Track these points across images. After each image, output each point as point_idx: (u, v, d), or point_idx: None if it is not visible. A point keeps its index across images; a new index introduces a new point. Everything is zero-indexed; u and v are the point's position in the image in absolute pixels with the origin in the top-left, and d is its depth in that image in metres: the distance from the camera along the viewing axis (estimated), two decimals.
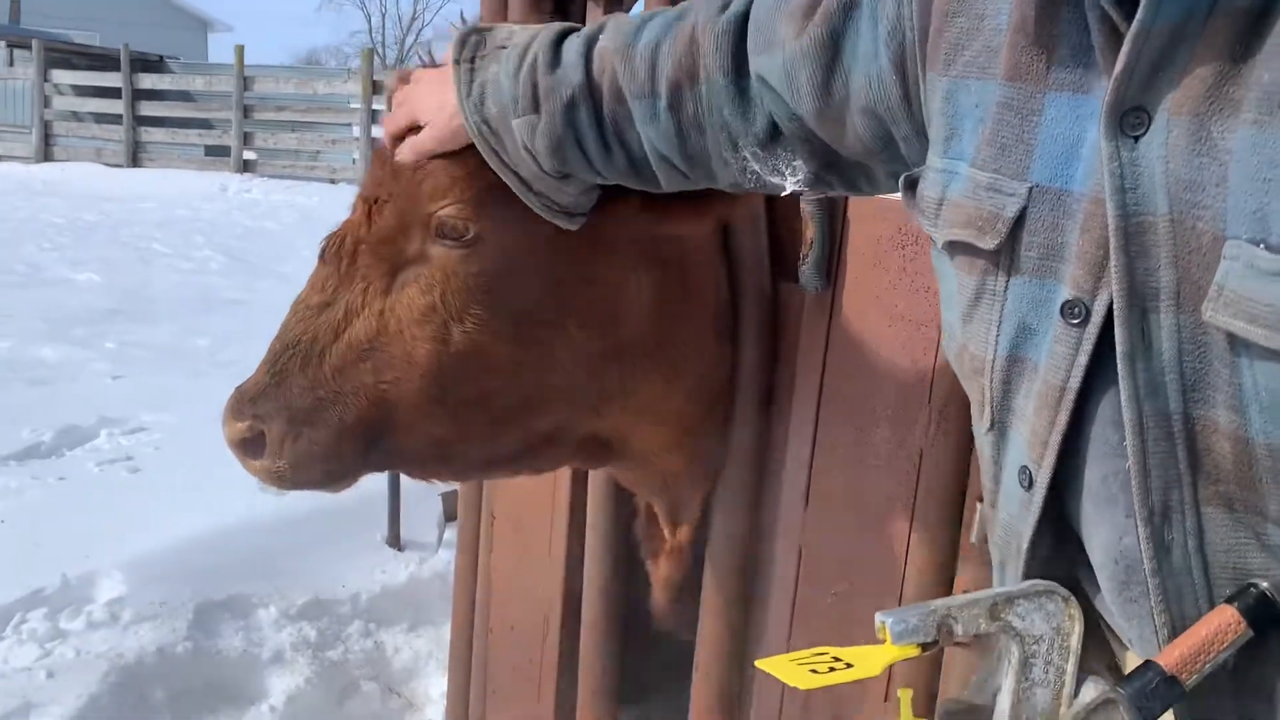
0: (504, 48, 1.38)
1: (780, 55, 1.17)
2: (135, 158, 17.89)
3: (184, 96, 18.95)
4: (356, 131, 16.72)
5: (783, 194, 1.28)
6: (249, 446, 1.56)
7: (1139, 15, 0.84)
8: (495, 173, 1.45)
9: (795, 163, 1.24)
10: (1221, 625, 0.85)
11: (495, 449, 1.67)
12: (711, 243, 1.79)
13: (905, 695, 0.97)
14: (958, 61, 1.02)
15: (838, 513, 1.82)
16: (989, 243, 0.97)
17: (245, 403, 1.55)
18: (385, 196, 1.54)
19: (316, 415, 1.53)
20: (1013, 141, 0.96)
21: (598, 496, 2.16)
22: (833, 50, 1.13)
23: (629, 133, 1.31)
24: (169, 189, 15.20)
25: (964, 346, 1.05)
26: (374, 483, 3.21)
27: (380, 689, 3.23)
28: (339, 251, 1.57)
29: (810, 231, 1.78)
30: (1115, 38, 0.88)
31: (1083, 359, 0.91)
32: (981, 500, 1.17)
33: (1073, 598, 0.92)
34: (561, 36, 1.35)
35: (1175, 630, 0.89)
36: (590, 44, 1.32)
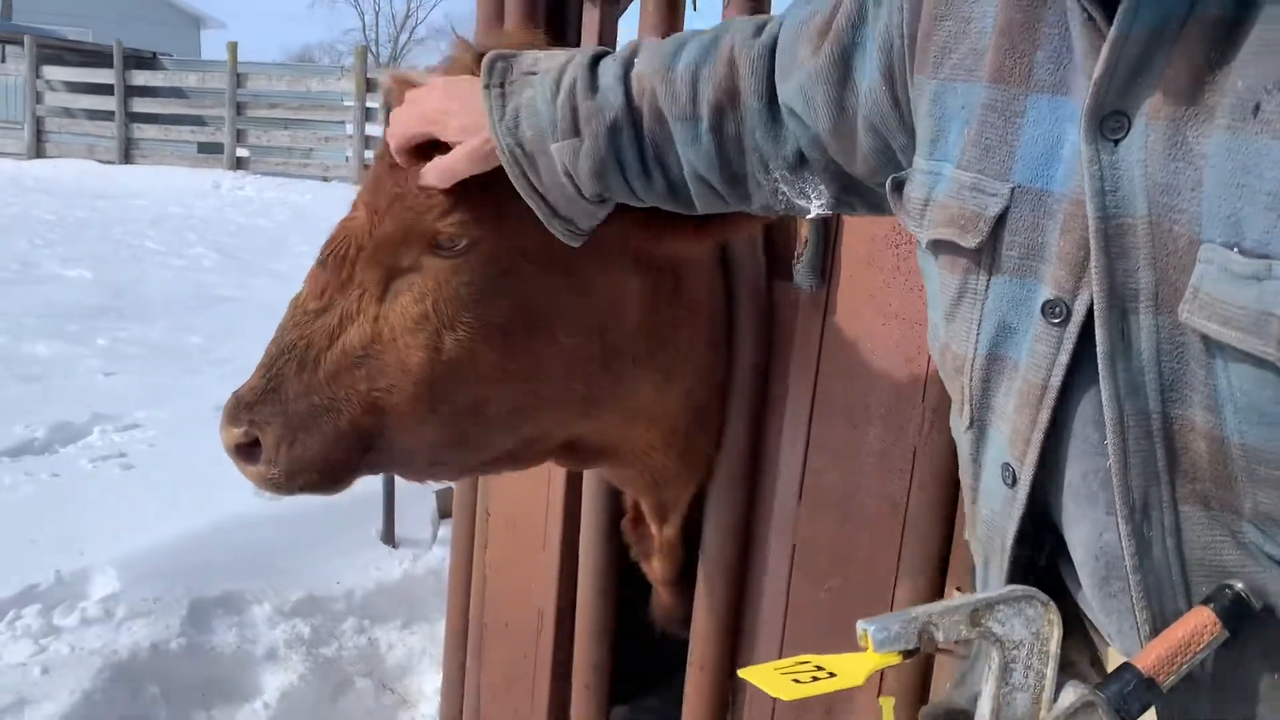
0: (534, 73, 1.37)
1: (798, 78, 1.19)
2: (128, 154, 17.85)
3: (177, 93, 18.91)
4: (350, 129, 16.69)
5: (808, 217, 1.30)
6: (245, 452, 1.56)
7: (1117, 21, 0.85)
8: (489, 183, 1.44)
9: (820, 186, 1.26)
10: (1198, 626, 0.87)
11: (487, 453, 1.68)
12: (709, 248, 1.80)
13: (887, 704, 0.98)
14: (945, 64, 1.03)
15: (831, 509, 1.83)
16: (971, 241, 0.99)
17: (241, 408, 1.55)
18: (387, 205, 1.54)
19: (311, 421, 1.54)
20: (996, 142, 0.98)
21: (592, 493, 2.17)
22: (844, 67, 1.15)
23: (669, 155, 1.32)
24: (161, 186, 15.16)
25: (946, 345, 1.06)
26: (369, 481, 3.20)
27: (374, 686, 3.23)
28: (338, 257, 1.58)
29: (805, 230, 1.79)
30: (1095, 42, 0.89)
31: (1064, 358, 0.93)
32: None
33: (1052, 603, 0.93)
34: (596, 60, 1.35)
35: (1156, 625, 0.91)
36: (628, 67, 1.32)
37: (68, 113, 18.95)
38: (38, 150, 18.34)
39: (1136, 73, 0.86)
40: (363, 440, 1.56)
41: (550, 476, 2.29)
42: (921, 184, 1.06)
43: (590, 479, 2.18)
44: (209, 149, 17.93)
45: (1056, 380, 0.93)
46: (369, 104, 16.06)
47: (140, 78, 18.16)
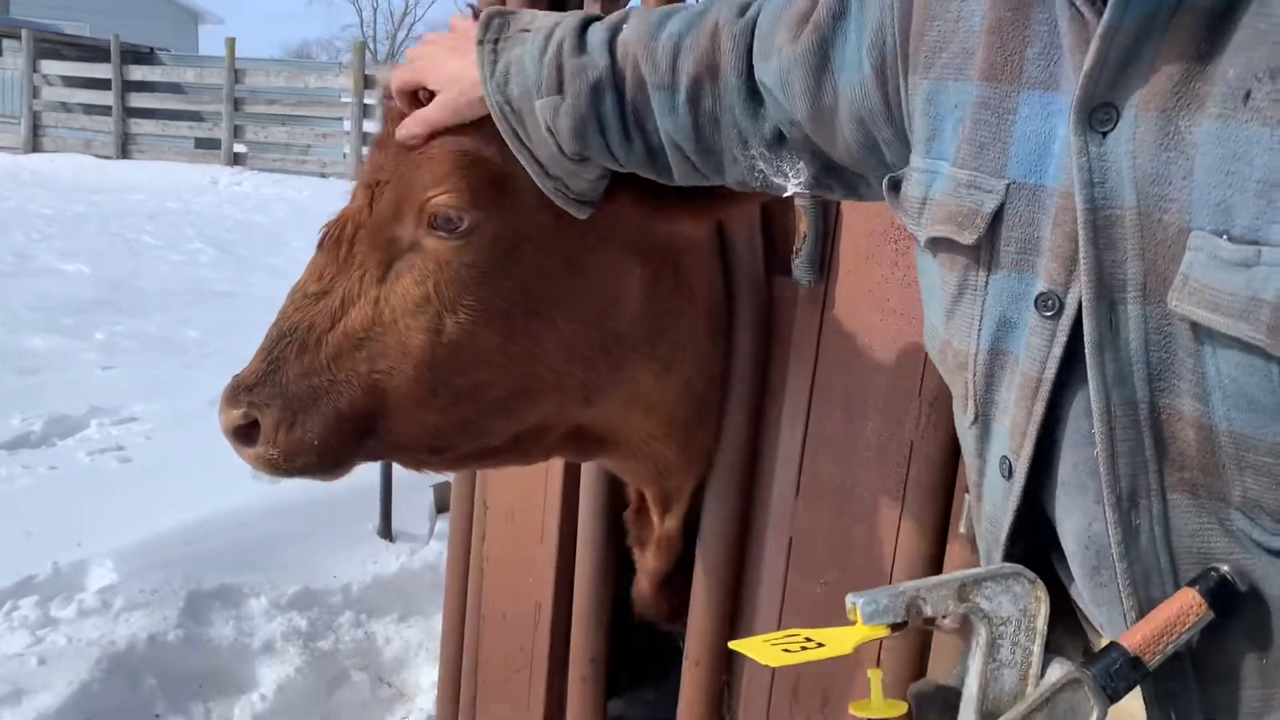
0: (527, 31, 1.39)
1: (777, 62, 1.20)
2: (125, 149, 17.83)
3: (174, 89, 18.87)
4: (347, 126, 16.69)
5: (784, 195, 1.31)
6: (244, 434, 1.56)
7: (1107, 14, 0.86)
8: (492, 163, 1.46)
9: (798, 165, 1.27)
10: (1184, 607, 0.88)
11: (487, 439, 1.68)
12: (706, 237, 1.81)
13: (875, 676, 1.00)
14: (937, 63, 1.05)
15: (828, 503, 1.84)
16: (968, 238, 1.00)
17: (241, 390, 1.55)
18: (384, 180, 1.55)
19: (311, 403, 1.54)
20: (990, 140, 0.99)
21: (590, 485, 2.18)
22: (822, 57, 1.16)
23: (648, 122, 1.33)
24: (159, 181, 15.14)
25: (947, 342, 1.07)
26: (366, 474, 3.22)
27: (371, 679, 3.24)
28: (338, 239, 1.58)
29: (804, 225, 1.80)
30: (1084, 36, 0.90)
31: (1057, 350, 0.94)
32: (969, 492, 1.19)
33: (1039, 580, 0.94)
34: (586, 23, 1.37)
35: (1143, 613, 0.92)
36: (615, 32, 1.34)
37: (65, 107, 18.91)
38: (34, 145, 18.31)
39: (1126, 64, 0.87)
40: (362, 423, 1.56)
41: (548, 469, 2.30)
42: (919, 183, 1.07)
43: (589, 472, 2.18)
44: (206, 144, 17.91)
45: (1050, 373, 0.94)
46: (366, 100, 16.05)
47: (138, 73, 18.13)
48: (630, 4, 2.12)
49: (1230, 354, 0.84)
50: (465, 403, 1.60)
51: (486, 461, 1.94)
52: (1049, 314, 0.94)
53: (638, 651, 2.32)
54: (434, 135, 1.51)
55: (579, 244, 1.58)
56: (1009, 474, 1.01)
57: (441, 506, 3.81)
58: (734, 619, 2.00)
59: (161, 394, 5.19)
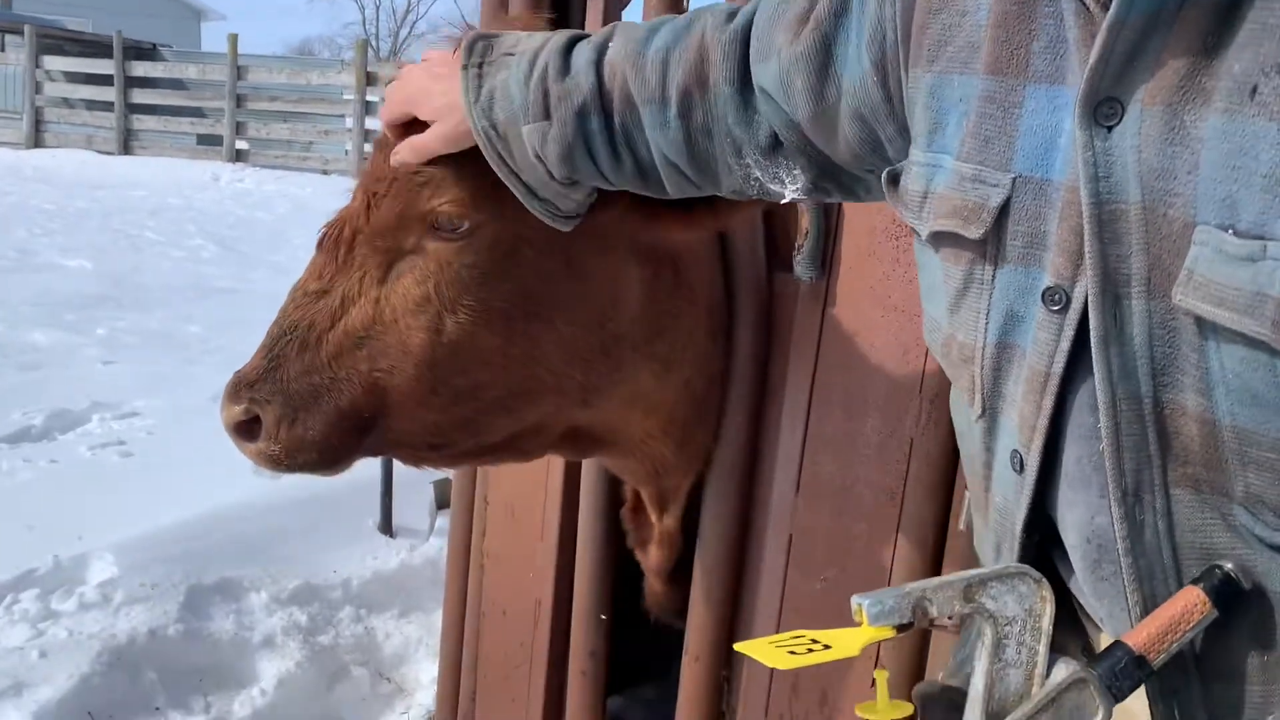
0: (511, 54, 1.38)
1: (776, 62, 1.19)
2: (127, 145, 17.83)
3: (176, 85, 18.89)
4: (349, 123, 16.69)
5: (782, 201, 1.30)
6: (245, 429, 1.57)
7: (1114, 7, 0.86)
8: (490, 170, 1.46)
9: (795, 171, 1.26)
10: (1188, 606, 0.88)
11: (486, 437, 1.69)
12: (707, 238, 1.81)
13: (881, 676, 0.99)
14: (941, 57, 1.04)
15: (828, 500, 1.85)
16: (974, 232, 1.00)
17: (243, 387, 1.56)
18: (384, 190, 1.56)
19: (312, 400, 1.55)
20: (995, 133, 0.99)
21: (590, 482, 2.18)
22: (825, 55, 1.15)
23: (638, 139, 1.32)
24: (161, 177, 15.15)
25: (951, 336, 1.07)
26: (367, 470, 3.23)
27: (370, 674, 3.24)
28: (337, 240, 1.59)
29: (805, 222, 1.80)
30: (1090, 30, 0.90)
31: (1065, 344, 0.94)
32: (969, 487, 1.19)
33: (1044, 580, 0.94)
34: (571, 44, 1.35)
35: (1147, 608, 0.92)
36: (601, 51, 1.33)
37: (67, 103, 18.92)
38: (36, 140, 18.31)
39: (1131, 58, 0.87)
40: (363, 421, 1.57)
41: (549, 466, 2.30)
42: (919, 176, 1.07)
43: (589, 468, 2.19)
44: (208, 141, 17.92)
45: (1059, 367, 0.95)
46: (369, 98, 16.05)
47: (140, 69, 18.14)
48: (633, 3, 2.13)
49: (1234, 349, 0.84)
50: (465, 402, 1.61)
51: (485, 458, 1.95)
52: (1056, 308, 0.94)
53: (638, 650, 2.33)
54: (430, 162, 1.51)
55: (579, 247, 1.58)
56: (1020, 468, 1.01)
57: (442, 502, 3.81)
58: (734, 616, 2.00)
59: (163, 389, 5.20)
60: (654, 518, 2.05)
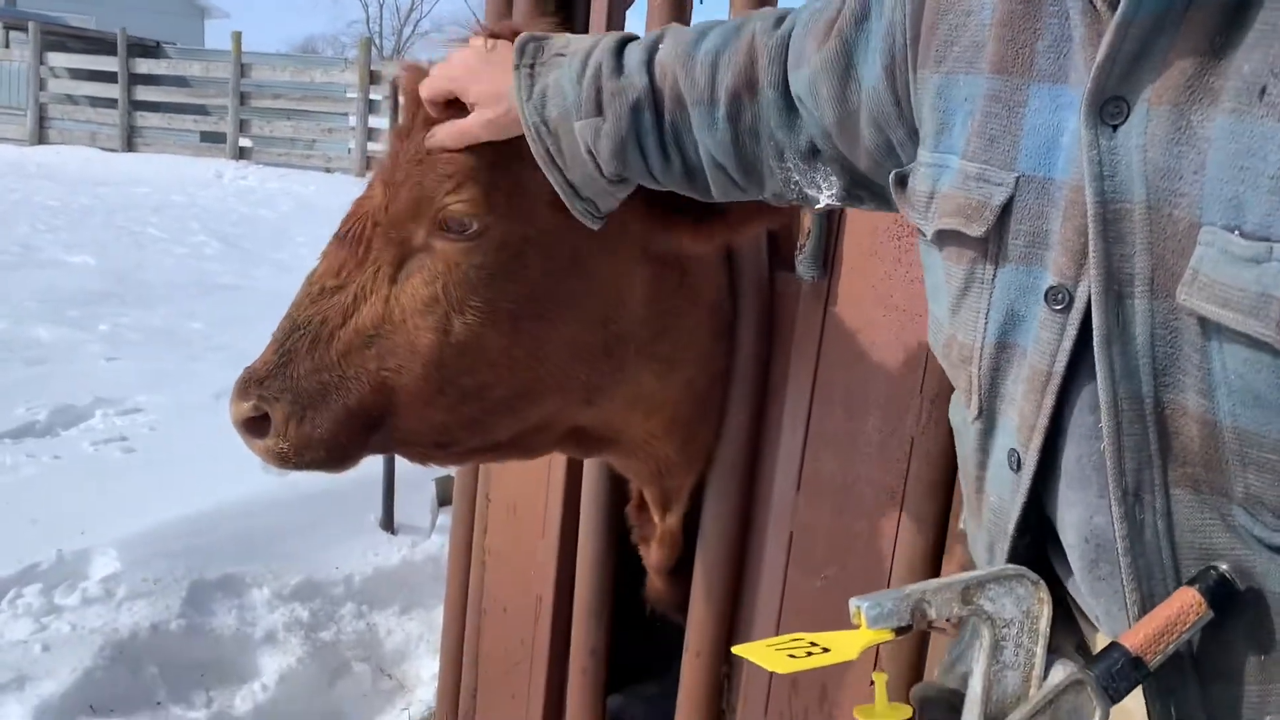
0: (563, 55, 1.39)
1: (807, 70, 1.20)
2: (130, 142, 17.84)
3: (180, 82, 18.89)
4: (353, 121, 16.68)
5: (817, 207, 1.31)
6: (253, 426, 1.58)
7: (1122, 6, 0.87)
8: (504, 168, 1.46)
9: (831, 178, 1.27)
10: (1184, 607, 0.89)
11: (490, 436, 1.70)
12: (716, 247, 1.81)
13: (880, 680, 1.00)
14: (948, 57, 1.05)
15: (829, 498, 1.85)
16: (977, 230, 1.00)
17: (252, 383, 1.57)
18: (403, 176, 1.57)
19: (320, 399, 1.56)
20: (1000, 133, 0.99)
21: (592, 480, 2.19)
22: (846, 62, 1.16)
23: (686, 139, 1.33)
24: (164, 174, 15.16)
25: (952, 336, 1.07)
26: (369, 467, 3.22)
27: (371, 670, 3.25)
28: (356, 235, 1.60)
29: (808, 221, 1.81)
30: (1096, 29, 0.91)
31: (1067, 344, 0.94)
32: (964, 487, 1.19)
33: (1042, 582, 0.94)
34: (623, 44, 1.37)
35: (1145, 607, 0.92)
36: (652, 51, 1.34)
37: (71, 100, 18.93)
38: (40, 136, 18.33)
39: (1138, 58, 0.88)
40: (370, 419, 1.58)
41: (551, 463, 2.31)
42: (926, 176, 1.08)
43: (591, 466, 2.20)
44: (212, 138, 17.91)
45: (1060, 366, 0.95)
46: (372, 96, 16.05)
47: (144, 66, 18.15)
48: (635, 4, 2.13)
49: (1238, 350, 0.84)
50: (471, 402, 1.61)
51: (490, 457, 1.96)
52: (1059, 307, 0.94)
53: (638, 649, 2.33)
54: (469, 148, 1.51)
55: (585, 248, 1.59)
56: (1017, 467, 1.01)
57: (443, 500, 3.82)
58: (734, 613, 2.01)
59: (166, 386, 5.21)
60: (657, 517, 2.06)
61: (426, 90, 1.53)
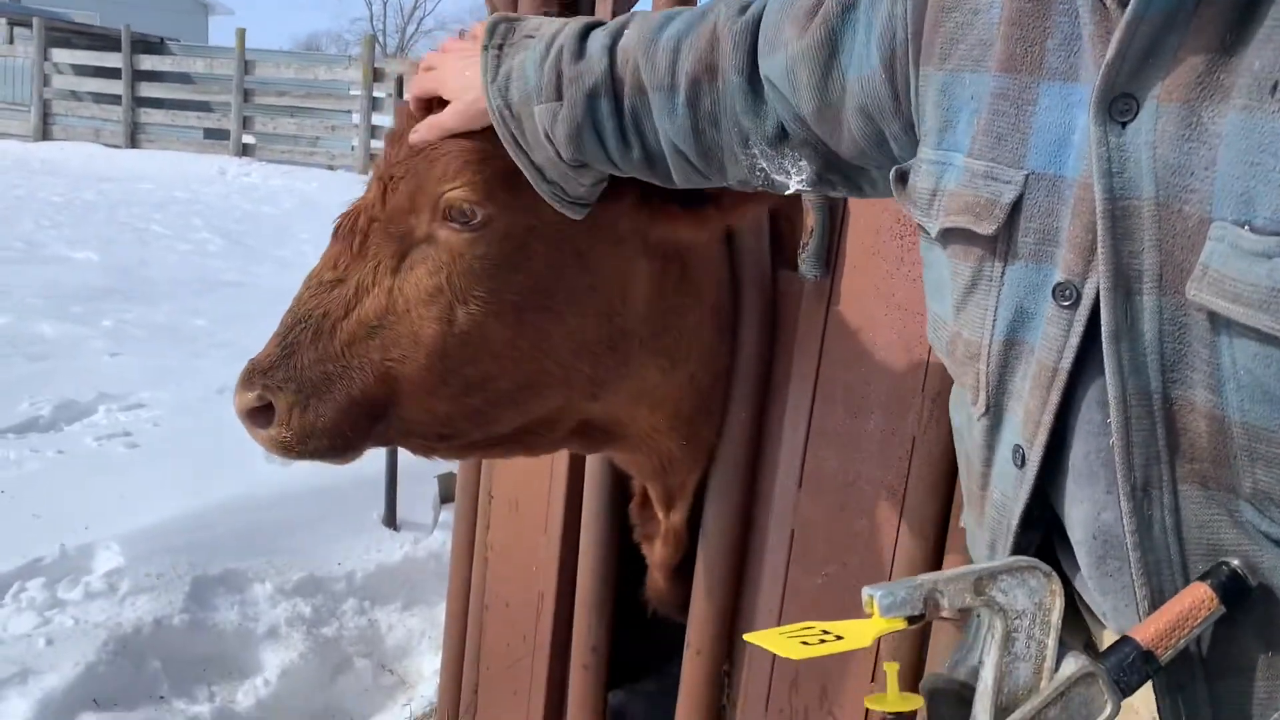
0: (531, 37, 1.40)
1: (783, 55, 1.20)
2: (134, 139, 17.86)
3: (184, 79, 18.91)
4: (356, 118, 16.71)
5: (786, 193, 1.31)
6: (257, 416, 1.59)
7: (1132, 4, 0.87)
8: (506, 159, 1.47)
9: (800, 163, 1.27)
10: (1195, 602, 0.89)
11: (494, 429, 1.70)
12: (715, 236, 1.82)
13: (892, 669, 0.99)
14: (953, 55, 1.05)
15: (830, 496, 1.86)
16: (987, 228, 1.00)
17: (256, 373, 1.58)
18: (399, 175, 1.58)
19: (324, 388, 1.56)
20: (1008, 131, 0.99)
21: (594, 476, 2.20)
22: (830, 50, 1.16)
23: (646, 125, 1.34)
24: (167, 171, 15.18)
25: (957, 334, 1.07)
26: (371, 464, 3.25)
27: (373, 666, 3.26)
28: (353, 229, 1.61)
29: (810, 220, 1.81)
30: (1106, 27, 0.91)
31: (1074, 340, 0.94)
32: (967, 485, 1.20)
33: (1054, 574, 0.94)
34: (588, 29, 1.38)
35: (1154, 603, 0.93)
36: (615, 37, 1.35)
37: (74, 96, 18.94)
38: (44, 133, 18.35)
39: (1148, 55, 0.88)
40: (373, 409, 1.59)
41: (553, 460, 2.32)
42: (929, 174, 1.08)
43: (593, 463, 2.20)
44: (215, 135, 17.94)
45: (1067, 363, 0.95)
46: (375, 93, 16.07)
47: (147, 62, 18.17)
48: (635, 6, 2.14)
49: (1247, 345, 0.84)
50: (474, 393, 1.62)
51: (494, 451, 1.96)
52: (1066, 304, 0.95)
53: (638, 648, 2.34)
54: (447, 139, 1.54)
55: (590, 241, 1.60)
56: (1022, 462, 1.01)
57: (446, 496, 3.84)
58: (735, 610, 2.01)
59: (169, 382, 5.22)
60: (661, 514, 2.07)
61: (413, 91, 1.57)
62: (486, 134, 1.50)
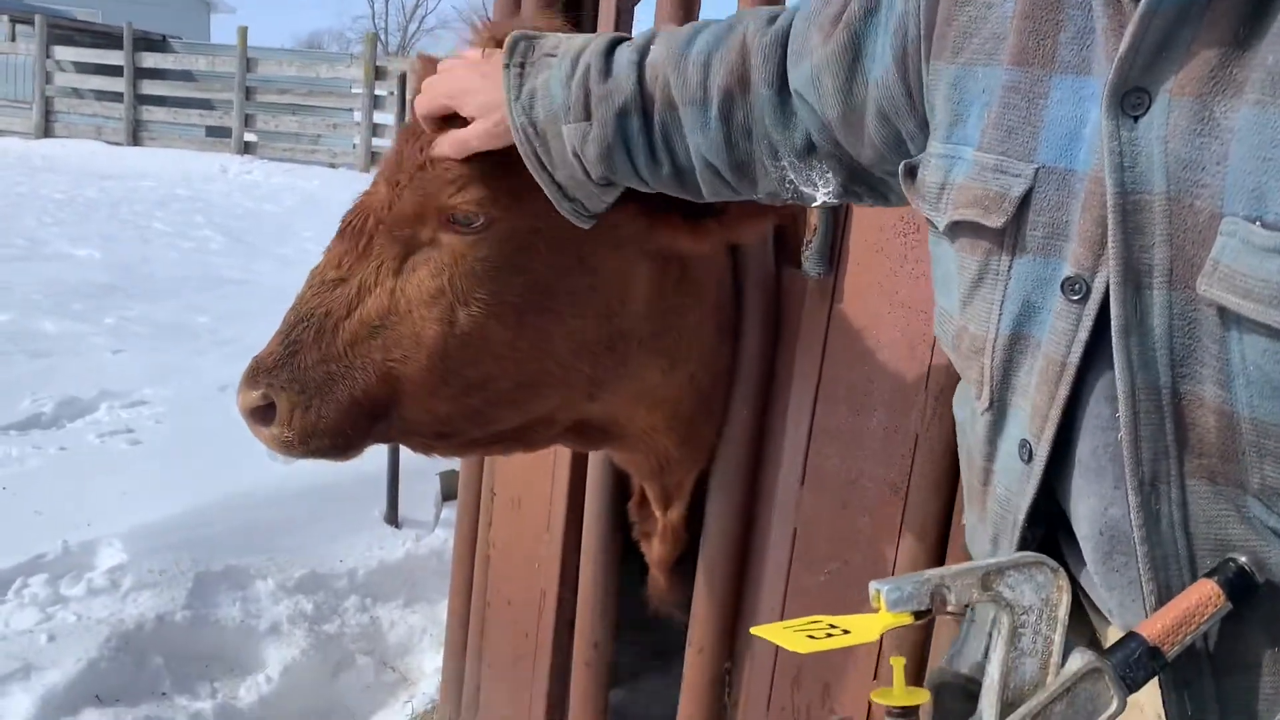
0: (553, 55, 1.39)
1: (809, 64, 1.20)
2: (136, 136, 17.86)
3: (186, 76, 18.91)
4: (358, 117, 16.70)
5: (814, 205, 1.31)
6: (260, 415, 1.59)
7: None
8: (510, 165, 1.46)
9: (827, 174, 1.27)
10: (1202, 598, 0.89)
11: (493, 428, 1.71)
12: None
13: (898, 664, 0.99)
14: (966, 49, 1.05)
15: (833, 494, 1.86)
16: (995, 221, 1.00)
17: (260, 372, 1.59)
18: (406, 180, 1.57)
19: (326, 388, 1.57)
20: (1019, 124, 0.99)
21: (597, 474, 2.20)
22: (854, 53, 1.16)
23: (677, 141, 1.33)
24: (169, 168, 15.18)
25: (963, 328, 1.07)
26: (373, 461, 3.25)
27: (375, 663, 3.27)
28: (359, 230, 1.61)
29: (814, 217, 1.81)
30: (1119, 20, 0.91)
31: (1083, 334, 0.94)
32: (968, 481, 1.20)
33: (1061, 569, 0.94)
34: (613, 45, 1.37)
35: (1161, 598, 0.93)
36: (642, 53, 1.34)
37: (77, 93, 18.95)
38: (46, 130, 18.35)
39: (1161, 49, 0.88)
40: (375, 409, 1.59)
41: (555, 458, 2.32)
42: (938, 168, 1.08)
43: (595, 460, 2.20)
44: (217, 133, 17.94)
45: (1075, 357, 0.95)
46: (377, 91, 16.07)
47: (149, 60, 18.17)
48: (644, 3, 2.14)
49: (1257, 340, 0.84)
50: (475, 393, 1.63)
51: (493, 448, 1.97)
52: (1075, 298, 0.94)
53: (638, 647, 2.34)
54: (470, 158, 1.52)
55: (591, 243, 1.60)
56: (1029, 457, 1.01)
57: (448, 494, 3.84)
58: (737, 608, 2.02)
59: (171, 379, 5.22)
60: (658, 512, 2.07)
61: (422, 107, 1.53)
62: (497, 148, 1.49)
